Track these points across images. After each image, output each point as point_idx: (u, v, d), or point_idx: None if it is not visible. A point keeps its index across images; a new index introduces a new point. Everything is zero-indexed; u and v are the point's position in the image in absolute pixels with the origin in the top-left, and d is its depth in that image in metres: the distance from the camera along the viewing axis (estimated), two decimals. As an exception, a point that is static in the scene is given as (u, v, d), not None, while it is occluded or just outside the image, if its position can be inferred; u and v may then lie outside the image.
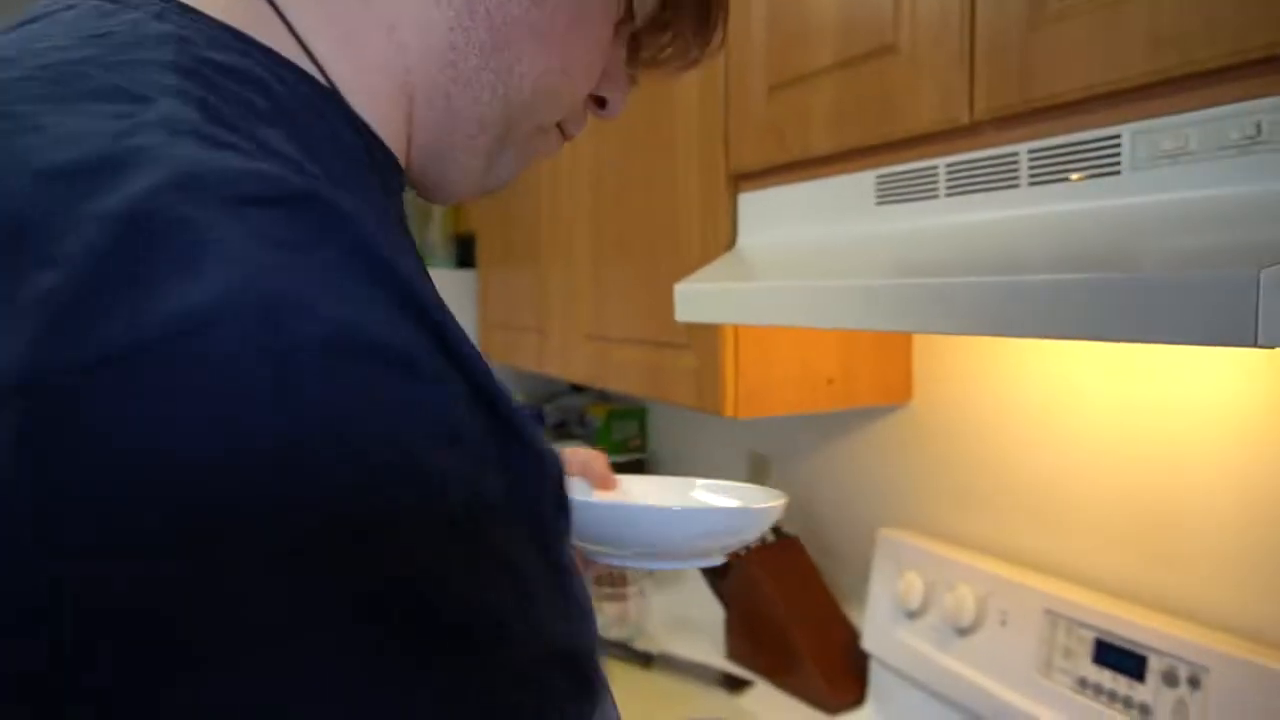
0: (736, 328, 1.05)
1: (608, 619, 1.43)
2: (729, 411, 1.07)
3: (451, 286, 1.99)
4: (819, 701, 1.17)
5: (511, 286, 1.78)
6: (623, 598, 1.44)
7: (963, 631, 1.00)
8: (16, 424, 0.21)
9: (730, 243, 1.05)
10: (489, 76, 0.38)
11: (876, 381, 1.17)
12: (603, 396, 2.07)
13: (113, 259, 0.22)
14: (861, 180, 0.84)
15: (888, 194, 0.81)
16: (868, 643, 1.14)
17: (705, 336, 1.09)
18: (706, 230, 1.08)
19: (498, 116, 0.39)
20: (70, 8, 0.31)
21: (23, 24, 0.31)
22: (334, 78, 0.34)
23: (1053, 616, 0.91)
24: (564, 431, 1.92)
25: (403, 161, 0.39)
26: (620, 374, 1.32)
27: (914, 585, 1.06)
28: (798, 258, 0.88)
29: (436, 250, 2.01)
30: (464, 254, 2.03)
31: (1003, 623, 0.96)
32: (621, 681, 1.25)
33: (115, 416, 0.21)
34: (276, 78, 0.32)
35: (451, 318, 0.28)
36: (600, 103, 0.46)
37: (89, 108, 0.26)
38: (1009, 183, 0.69)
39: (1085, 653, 0.87)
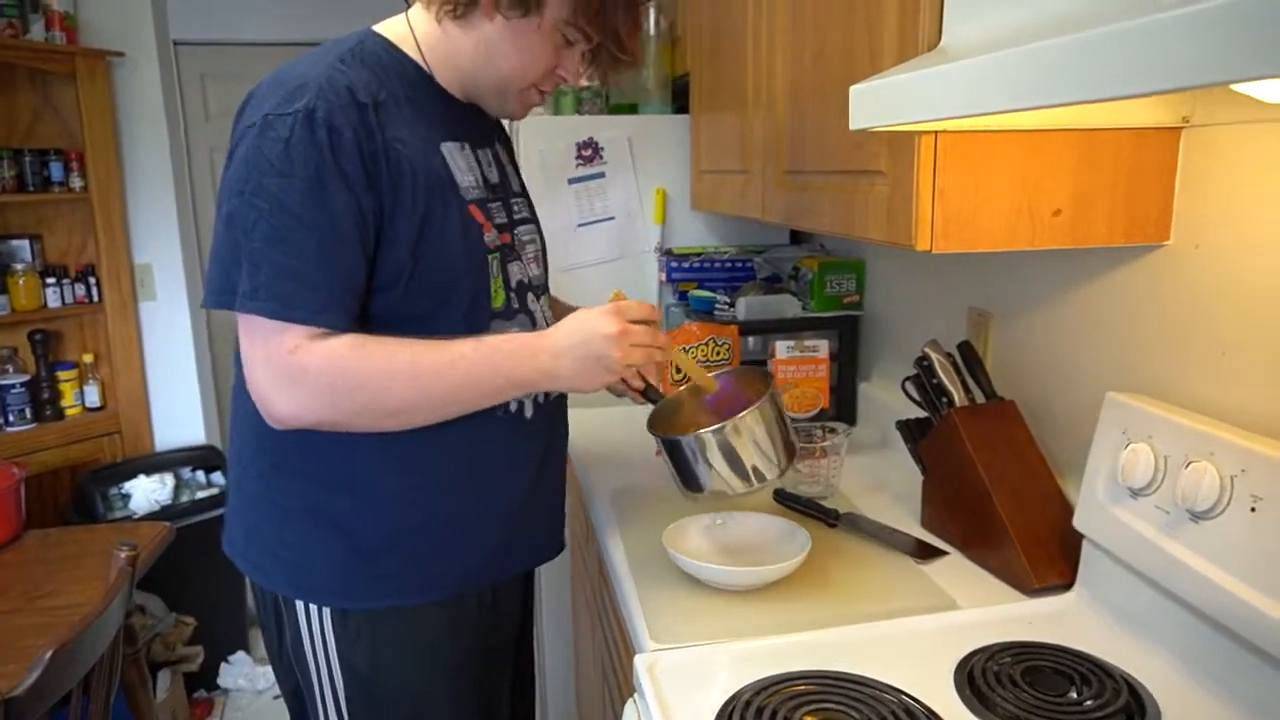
0: (936, 145, 0.90)
1: (800, 475, 1.37)
2: (923, 244, 0.92)
3: (668, 132, 1.92)
4: (1015, 579, 1.04)
5: (720, 129, 1.67)
6: (817, 454, 1.36)
7: (1199, 516, 0.82)
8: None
9: (934, 42, 0.88)
10: (487, 74, 1.03)
11: (1122, 215, 0.95)
12: (821, 248, 1.93)
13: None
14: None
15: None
16: (1080, 520, 0.98)
17: (901, 158, 0.94)
18: (905, 27, 0.91)
19: (493, 86, 1.04)
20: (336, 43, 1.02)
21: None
22: (431, 67, 1.04)
23: (1324, 505, 0.71)
24: (776, 286, 1.82)
25: (461, 98, 1.07)
26: (814, 211, 1.20)
27: (1142, 457, 0.88)
28: (1013, 36, 0.71)
29: (652, 96, 1.94)
30: (681, 98, 1.94)
31: (1253, 509, 0.77)
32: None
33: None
34: (398, 62, 1.02)
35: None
36: (561, 76, 1.07)
37: (306, 64, 0.97)
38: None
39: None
